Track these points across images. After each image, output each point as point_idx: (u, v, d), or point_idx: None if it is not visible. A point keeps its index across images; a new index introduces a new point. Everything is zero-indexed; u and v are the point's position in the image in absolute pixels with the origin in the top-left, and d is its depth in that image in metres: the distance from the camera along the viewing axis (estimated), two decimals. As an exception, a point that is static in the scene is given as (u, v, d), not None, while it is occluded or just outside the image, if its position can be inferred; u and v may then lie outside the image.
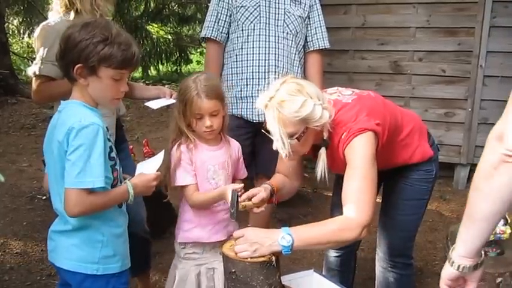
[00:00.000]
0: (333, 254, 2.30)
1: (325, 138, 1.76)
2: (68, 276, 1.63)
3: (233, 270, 1.57)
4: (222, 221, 1.98)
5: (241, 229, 1.65)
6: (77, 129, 1.46)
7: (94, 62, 1.49)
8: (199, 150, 1.92)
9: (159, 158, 1.79)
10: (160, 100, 2.27)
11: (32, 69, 2.14)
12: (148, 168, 1.73)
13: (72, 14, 2.15)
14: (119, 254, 1.66)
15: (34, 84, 2.14)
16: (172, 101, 2.17)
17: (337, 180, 2.19)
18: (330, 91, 1.92)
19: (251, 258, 1.55)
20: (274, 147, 1.71)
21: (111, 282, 1.64)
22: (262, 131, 1.75)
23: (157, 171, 1.73)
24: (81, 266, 1.59)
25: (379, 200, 1.96)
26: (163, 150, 1.86)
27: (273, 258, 1.57)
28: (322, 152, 1.76)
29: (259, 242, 1.56)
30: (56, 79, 2.11)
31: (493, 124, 1.08)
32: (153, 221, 2.63)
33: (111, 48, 1.49)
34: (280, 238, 1.55)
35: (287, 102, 1.64)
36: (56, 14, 2.18)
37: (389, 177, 2.01)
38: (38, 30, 2.18)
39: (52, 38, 2.08)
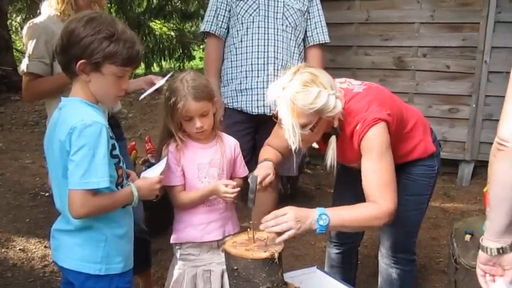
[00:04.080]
0: (334, 251, 2.29)
1: (335, 126, 1.75)
2: (71, 275, 1.62)
3: (235, 268, 1.56)
4: (217, 220, 1.93)
5: (282, 208, 1.64)
6: (80, 128, 1.42)
7: (99, 58, 1.45)
8: (190, 149, 1.89)
9: (163, 162, 1.76)
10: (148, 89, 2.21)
11: (21, 67, 2.14)
12: (152, 174, 1.71)
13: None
14: (122, 254, 1.64)
15: (23, 82, 2.14)
16: (161, 82, 2.11)
17: (340, 174, 2.18)
18: (339, 80, 1.91)
19: (253, 254, 1.54)
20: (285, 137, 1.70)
21: (114, 282, 1.62)
22: (273, 118, 1.73)
23: (160, 174, 1.70)
24: (84, 266, 1.57)
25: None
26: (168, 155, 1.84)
27: (276, 255, 1.56)
28: (333, 140, 1.76)
29: (301, 220, 1.61)
30: (43, 76, 2.10)
31: (498, 120, 1.13)
32: (155, 217, 2.62)
33: (117, 45, 1.46)
34: (318, 217, 1.62)
35: (301, 93, 1.62)
36: (48, 9, 2.14)
37: None
38: (25, 28, 2.18)
39: (37, 35, 2.09)
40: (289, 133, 1.66)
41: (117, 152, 1.57)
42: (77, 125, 1.43)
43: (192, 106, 1.78)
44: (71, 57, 1.47)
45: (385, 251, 2.13)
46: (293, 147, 1.69)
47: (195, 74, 1.86)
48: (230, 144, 1.97)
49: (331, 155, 1.76)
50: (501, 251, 1.20)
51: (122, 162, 1.61)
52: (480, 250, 1.24)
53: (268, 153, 2.00)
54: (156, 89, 2.18)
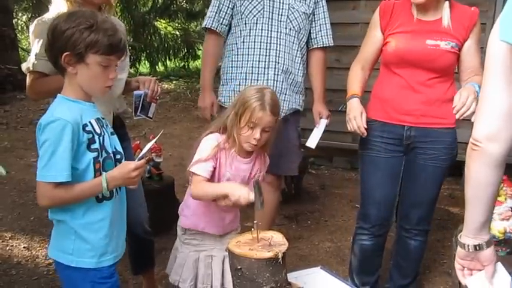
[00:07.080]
0: (367, 242, 2.44)
1: None
2: (55, 263, 1.69)
3: (239, 267, 1.56)
4: (224, 218, 1.96)
5: (459, 99, 2.03)
6: (44, 124, 1.50)
7: (81, 48, 1.50)
8: (227, 155, 1.88)
9: (149, 145, 1.74)
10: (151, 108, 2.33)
11: (26, 65, 2.11)
12: (144, 151, 1.72)
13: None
14: (95, 249, 1.64)
15: (28, 80, 2.12)
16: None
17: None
18: None
19: (257, 254, 1.54)
20: None
21: (89, 276, 1.64)
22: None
23: (141, 159, 1.65)
24: (60, 256, 1.64)
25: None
26: (157, 137, 1.83)
27: (280, 255, 1.55)
28: (446, 6, 2.19)
29: (474, 95, 1.99)
30: (50, 75, 2.09)
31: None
32: (159, 217, 2.63)
33: (97, 34, 1.51)
34: (478, 90, 2.00)
35: None
36: (56, 8, 2.16)
37: (412, 155, 2.30)
38: (32, 26, 2.16)
39: (45, 33, 2.07)
40: None
41: (96, 145, 1.58)
42: (42, 121, 1.51)
43: (267, 117, 1.80)
44: (57, 51, 1.53)
45: (409, 226, 2.37)
46: None
47: (273, 92, 1.90)
48: (265, 164, 2.00)
49: (447, 14, 2.20)
50: (478, 248, 1.26)
51: (101, 157, 1.60)
52: (458, 246, 1.30)
53: (354, 83, 2.38)
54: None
